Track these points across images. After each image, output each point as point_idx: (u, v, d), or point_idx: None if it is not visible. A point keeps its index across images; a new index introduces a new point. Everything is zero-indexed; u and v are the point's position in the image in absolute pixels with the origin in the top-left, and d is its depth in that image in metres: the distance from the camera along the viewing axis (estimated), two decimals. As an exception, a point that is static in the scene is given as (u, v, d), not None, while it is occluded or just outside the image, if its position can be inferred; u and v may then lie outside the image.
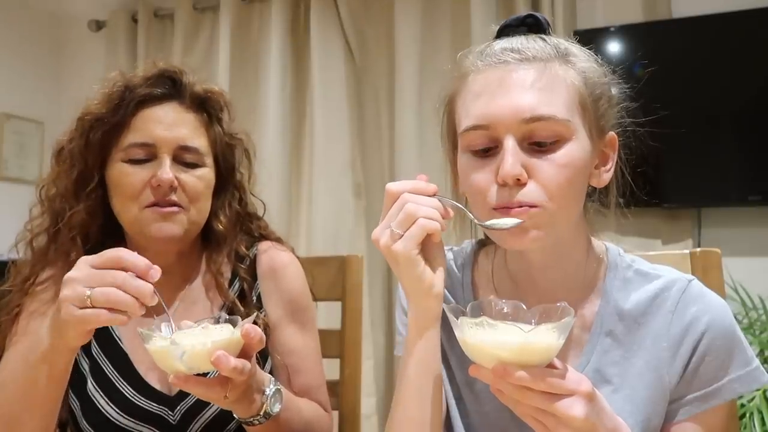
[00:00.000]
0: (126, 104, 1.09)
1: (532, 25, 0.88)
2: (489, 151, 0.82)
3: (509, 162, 0.78)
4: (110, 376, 1.09)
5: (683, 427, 0.86)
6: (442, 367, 0.92)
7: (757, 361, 0.87)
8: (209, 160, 1.14)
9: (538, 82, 0.81)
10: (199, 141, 1.12)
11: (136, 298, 0.82)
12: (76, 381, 1.10)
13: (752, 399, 1.92)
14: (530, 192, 0.79)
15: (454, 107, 0.89)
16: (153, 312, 0.87)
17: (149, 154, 1.09)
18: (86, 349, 1.11)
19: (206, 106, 1.16)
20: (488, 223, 0.80)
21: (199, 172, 1.12)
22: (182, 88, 1.13)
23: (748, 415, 1.89)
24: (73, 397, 1.10)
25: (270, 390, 0.96)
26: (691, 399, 0.86)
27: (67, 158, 1.12)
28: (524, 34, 0.87)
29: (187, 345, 0.81)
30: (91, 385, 1.08)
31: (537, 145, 0.80)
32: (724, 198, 2.39)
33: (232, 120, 1.21)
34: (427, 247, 0.82)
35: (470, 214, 0.82)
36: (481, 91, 0.83)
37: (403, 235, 0.79)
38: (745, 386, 0.85)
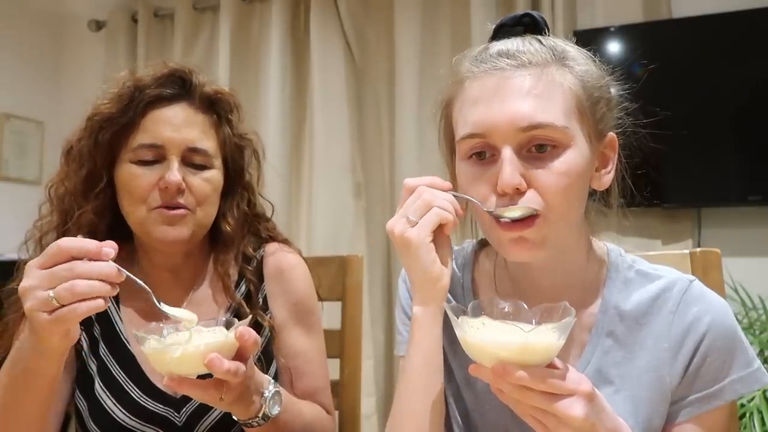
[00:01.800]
0: (135, 105, 1.09)
1: (529, 25, 0.88)
2: (486, 158, 0.82)
3: (507, 172, 0.78)
4: (117, 377, 1.09)
5: (684, 428, 0.86)
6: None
7: (758, 362, 0.87)
8: (218, 162, 1.14)
9: (535, 88, 0.80)
10: (208, 143, 1.12)
11: (107, 285, 0.79)
12: (84, 381, 1.10)
13: (752, 399, 1.92)
14: (529, 200, 0.79)
15: (451, 113, 0.89)
16: (161, 317, 0.87)
17: (158, 156, 1.08)
18: (94, 350, 1.12)
19: (216, 107, 1.15)
20: (497, 211, 0.81)
21: (207, 174, 1.11)
22: (192, 89, 1.13)
23: (748, 415, 1.89)
24: (81, 398, 1.10)
25: (269, 392, 0.95)
26: (692, 400, 0.86)
27: (76, 158, 1.12)
28: (521, 35, 0.87)
29: (180, 347, 0.81)
30: (98, 386, 1.09)
31: (535, 153, 0.80)
32: (724, 198, 2.39)
33: (241, 121, 1.20)
34: (438, 240, 0.85)
35: (481, 206, 0.83)
36: (477, 98, 0.82)
37: (418, 223, 0.83)
38: (747, 387, 0.85)
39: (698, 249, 1.13)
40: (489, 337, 0.70)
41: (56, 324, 0.79)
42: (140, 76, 1.12)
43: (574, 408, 0.68)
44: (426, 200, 0.83)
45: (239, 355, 0.86)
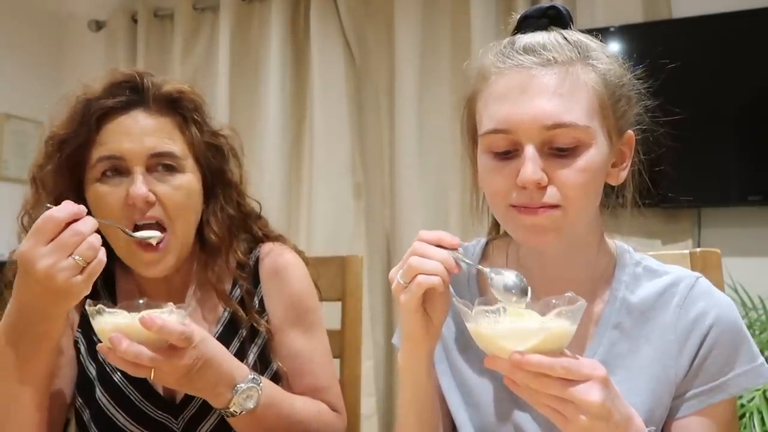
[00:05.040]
0: (88, 120, 1.04)
1: (554, 17, 0.88)
2: (509, 153, 0.84)
3: (530, 168, 0.80)
4: (118, 382, 1.08)
5: (689, 420, 0.87)
6: (451, 379, 0.95)
7: (762, 358, 0.88)
8: (189, 164, 1.08)
9: (560, 88, 0.81)
10: (173, 146, 1.06)
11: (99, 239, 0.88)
12: (84, 386, 1.10)
13: (752, 399, 1.91)
14: (550, 195, 0.81)
15: (475, 106, 0.90)
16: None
17: (121, 169, 1.03)
18: (92, 354, 1.11)
19: (178, 107, 1.09)
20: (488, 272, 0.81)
21: (178, 180, 1.05)
22: (146, 93, 1.06)
23: (748, 415, 1.88)
24: (82, 403, 1.10)
25: (243, 386, 0.96)
26: (697, 393, 0.87)
27: (41, 185, 1.08)
28: (545, 27, 0.88)
29: (98, 323, 0.88)
30: (99, 391, 1.08)
31: (557, 151, 0.82)
32: (724, 198, 2.39)
33: (209, 117, 1.14)
34: (431, 296, 0.81)
35: (486, 270, 0.80)
36: (503, 94, 0.84)
37: (407, 287, 0.79)
38: (751, 381, 0.87)
39: (698, 249, 1.14)
40: (504, 325, 0.71)
41: (89, 280, 0.88)
42: (92, 89, 1.07)
43: (591, 393, 0.68)
44: (411, 266, 0.78)
45: (172, 345, 0.88)
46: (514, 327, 0.70)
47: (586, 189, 0.82)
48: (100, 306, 0.89)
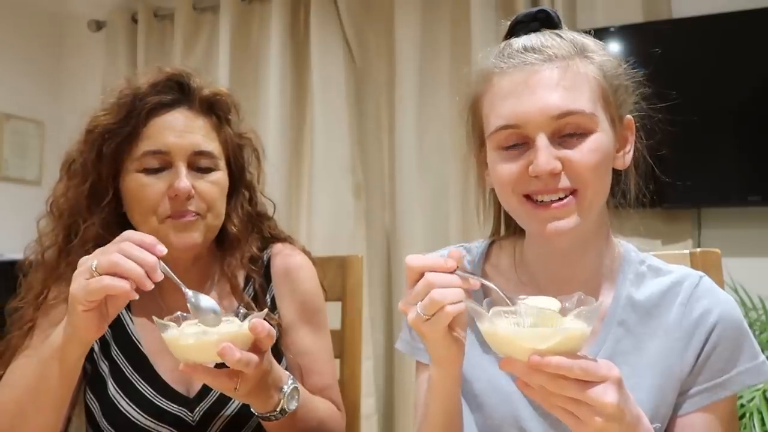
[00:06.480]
0: (137, 113, 1.09)
1: (544, 20, 0.92)
2: (519, 147, 0.86)
3: (543, 157, 0.82)
4: (130, 377, 1.10)
5: (692, 417, 0.88)
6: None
7: (763, 356, 0.89)
8: (222, 163, 1.14)
9: (563, 80, 0.85)
10: (212, 145, 1.13)
11: (143, 270, 0.83)
12: (96, 382, 1.11)
13: (752, 399, 1.91)
14: (564, 181, 0.84)
15: (480, 108, 0.92)
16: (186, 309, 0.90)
17: (164, 163, 1.08)
18: (106, 352, 1.12)
19: (215, 109, 1.16)
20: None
21: (213, 177, 1.12)
22: (192, 93, 1.13)
23: (748, 415, 1.88)
24: (92, 398, 1.10)
25: (287, 388, 0.97)
26: (700, 390, 0.88)
27: (78, 171, 1.12)
28: (537, 30, 0.90)
29: (194, 335, 0.84)
30: (111, 387, 1.09)
31: (566, 138, 0.84)
32: (724, 198, 2.39)
33: (240, 120, 1.20)
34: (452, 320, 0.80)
35: (494, 287, 0.79)
36: (508, 92, 0.86)
37: (430, 318, 0.76)
38: (754, 378, 0.88)
39: (698, 249, 1.15)
40: (524, 327, 0.70)
41: (85, 292, 0.83)
42: (137, 84, 1.12)
43: (607, 394, 0.68)
44: (435, 300, 0.75)
45: (255, 348, 0.88)
46: (535, 328, 0.70)
47: (597, 169, 0.85)
48: (166, 320, 0.86)
